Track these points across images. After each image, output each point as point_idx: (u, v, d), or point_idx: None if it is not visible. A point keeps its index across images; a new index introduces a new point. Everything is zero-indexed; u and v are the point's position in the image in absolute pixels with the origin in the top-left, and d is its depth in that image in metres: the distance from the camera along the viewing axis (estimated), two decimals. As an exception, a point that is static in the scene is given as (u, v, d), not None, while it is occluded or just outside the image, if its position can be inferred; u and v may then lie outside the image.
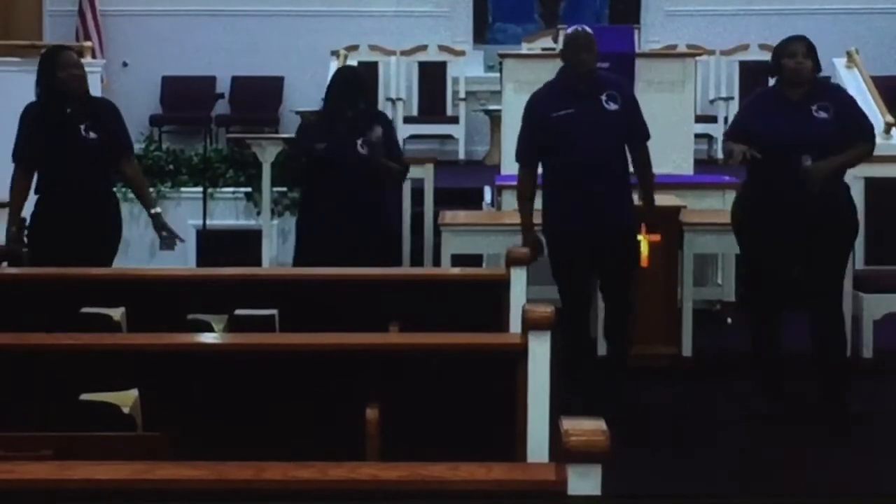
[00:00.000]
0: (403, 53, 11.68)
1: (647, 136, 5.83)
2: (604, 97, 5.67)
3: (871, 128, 5.79)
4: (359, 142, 5.99)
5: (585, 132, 5.59)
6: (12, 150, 5.96)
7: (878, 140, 6.12)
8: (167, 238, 6.17)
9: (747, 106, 6.04)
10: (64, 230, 5.84)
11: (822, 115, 5.57)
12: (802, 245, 5.60)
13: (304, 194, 6.33)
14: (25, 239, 5.99)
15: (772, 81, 5.83)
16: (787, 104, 5.60)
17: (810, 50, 5.62)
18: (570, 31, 5.86)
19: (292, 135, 6.82)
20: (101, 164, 5.98)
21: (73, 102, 5.90)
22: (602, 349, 6.14)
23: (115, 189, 6.26)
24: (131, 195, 6.57)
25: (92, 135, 5.89)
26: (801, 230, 5.55)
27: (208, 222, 8.69)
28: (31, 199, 6.04)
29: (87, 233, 5.84)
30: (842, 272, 5.87)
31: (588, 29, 5.81)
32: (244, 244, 8.55)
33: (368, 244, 5.94)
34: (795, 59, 5.59)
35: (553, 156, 5.70)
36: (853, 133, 5.63)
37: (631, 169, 5.81)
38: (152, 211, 6.22)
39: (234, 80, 11.83)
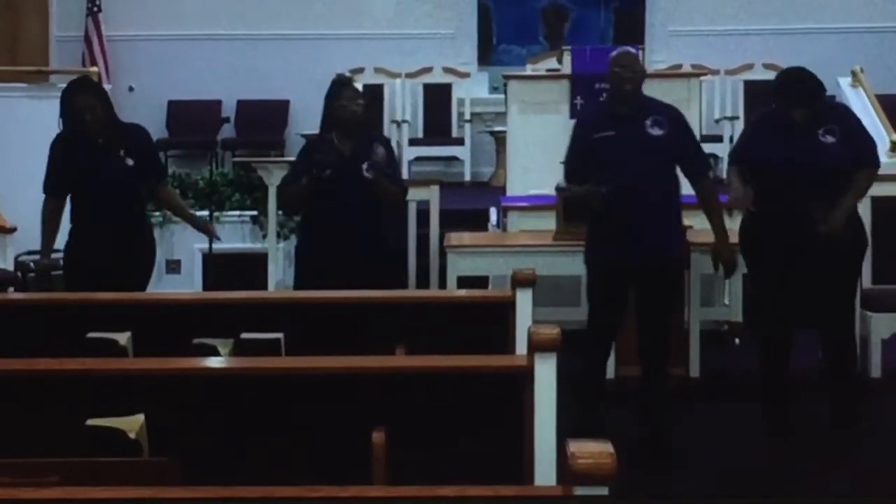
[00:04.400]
0: (408, 76, 11.69)
1: (707, 168, 5.72)
2: (648, 121, 5.50)
3: (874, 150, 5.79)
4: (364, 166, 5.96)
5: (625, 156, 5.43)
6: (43, 182, 5.95)
7: (884, 159, 6.13)
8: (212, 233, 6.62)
9: (751, 129, 6.02)
10: (102, 259, 5.80)
11: (830, 139, 5.54)
12: (811, 266, 5.58)
13: (303, 218, 6.30)
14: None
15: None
16: (792, 128, 5.58)
17: (808, 89, 5.57)
18: (614, 52, 5.67)
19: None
20: (137, 190, 6.02)
21: (105, 131, 5.88)
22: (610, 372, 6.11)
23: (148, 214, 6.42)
24: (155, 220, 6.75)
25: (129, 161, 5.89)
26: (810, 251, 5.53)
27: (214, 246, 8.69)
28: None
29: (124, 260, 5.84)
30: (852, 292, 5.86)
31: (631, 49, 5.68)
32: (250, 267, 8.56)
33: (370, 267, 5.90)
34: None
35: (594, 176, 5.54)
36: (858, 157, 5.62)
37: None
38: (201, 222, 6.61)
39: (240, 103, 11.85)
